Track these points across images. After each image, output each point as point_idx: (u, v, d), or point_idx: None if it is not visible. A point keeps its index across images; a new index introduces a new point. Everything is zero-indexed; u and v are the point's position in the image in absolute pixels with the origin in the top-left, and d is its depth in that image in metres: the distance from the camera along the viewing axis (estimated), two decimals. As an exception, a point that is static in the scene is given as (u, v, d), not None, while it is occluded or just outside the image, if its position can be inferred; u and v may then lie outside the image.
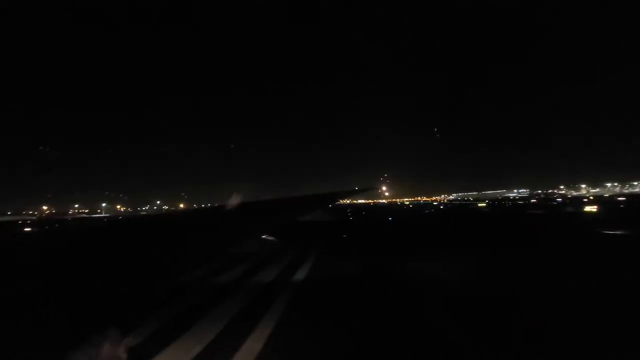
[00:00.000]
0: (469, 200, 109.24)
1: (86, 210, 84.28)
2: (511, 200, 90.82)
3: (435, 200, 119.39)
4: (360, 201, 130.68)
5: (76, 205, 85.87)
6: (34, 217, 68.87)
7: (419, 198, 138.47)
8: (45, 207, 79.56)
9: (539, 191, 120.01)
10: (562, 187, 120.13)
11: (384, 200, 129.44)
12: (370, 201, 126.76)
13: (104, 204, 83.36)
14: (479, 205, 64.20)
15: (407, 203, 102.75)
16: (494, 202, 75.65)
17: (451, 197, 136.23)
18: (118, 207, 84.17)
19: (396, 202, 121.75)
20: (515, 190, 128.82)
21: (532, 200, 77.14)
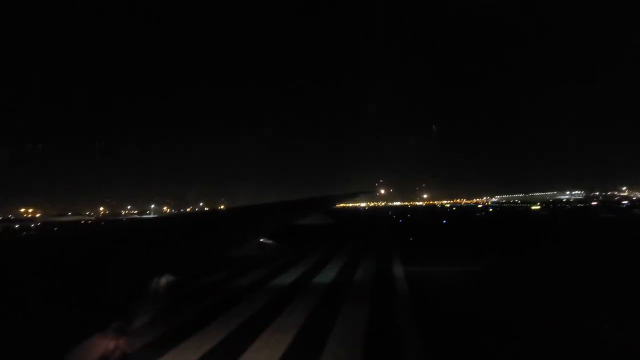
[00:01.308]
0: (516, 202, 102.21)
1: (135, 212, 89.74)
2: (567, 202, 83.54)
3: (479, 203, 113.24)
4: (396, 203, 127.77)
5: (129, 207, 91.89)
6: (93, 217, 74.58)
7: (458, 200, 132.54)
8: (102, 209, 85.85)
9: (596, 192, 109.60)
10: (624, 188, 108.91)
11: (420, 203, 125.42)
12: (407, 203, 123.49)
13: (152, 206, 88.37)
14: (533, 208, 59.70)
15: (448, 205, 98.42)
16: (547, 205, 70.03)
17: (494, 200, 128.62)
18: (165, 208, 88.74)
19: (435, 204, 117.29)
20: (567, 192, 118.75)
21: (593, 203, 70.38)
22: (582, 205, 65.74)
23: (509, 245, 16.29)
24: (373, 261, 12.73)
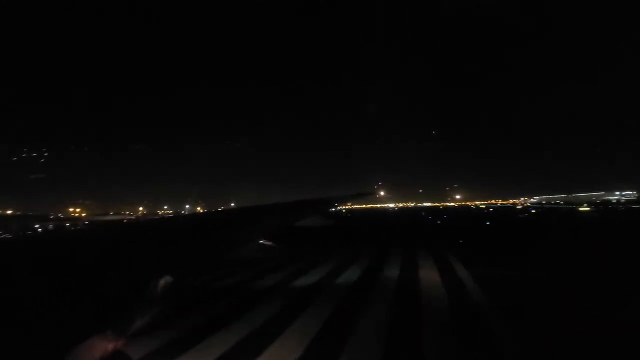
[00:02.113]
0: (558, 203, 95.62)
1: (170, 211, 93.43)
2: (617, 203, 76.86)
3: (516, 204, 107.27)
4: (426, 204, 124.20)
5: (165, 207, 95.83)
6: (133, 217, 78.67)
7: (493, 201, 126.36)
8: (141, 208, 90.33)
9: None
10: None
11: (452, 203, 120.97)
12: (439, 204, 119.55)
13: (187, 206, 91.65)
14: (581, 209, 55.49)
15: (484, 206, 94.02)
16: (597, 206, 64.80)
17: (533, 200, 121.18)
18: (198, 208, 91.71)
19: (468, 205, 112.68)
20: (617, 192, 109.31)
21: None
22: (637, 206, 60.17)
23: (568, 248, 15.01)
24: (431, 263, 12.00)
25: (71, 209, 76.80)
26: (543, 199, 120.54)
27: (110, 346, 1.42)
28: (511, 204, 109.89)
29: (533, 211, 55.86)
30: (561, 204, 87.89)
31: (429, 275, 10.30)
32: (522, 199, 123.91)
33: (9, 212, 63.62)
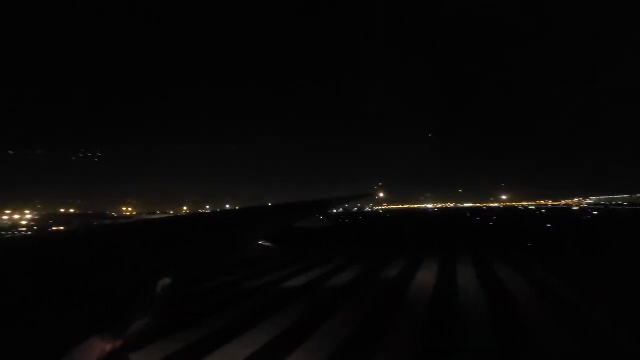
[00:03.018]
0: (620, 204, 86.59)
1: (210, 210, 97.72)
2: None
3: (570, 204, 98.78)
4: (467, 204, 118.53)
5: (207, 206, 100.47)
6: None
7: (542, 202, 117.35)
8: (185, 208, 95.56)
9: None
10: None
11: (496, 204, 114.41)
12: (482, 205, 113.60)
13: (227, 206, 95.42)
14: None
15: (533, 207, 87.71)
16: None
17: (589, 201, 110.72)
18: (237, 207, 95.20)
19: (514, 205, 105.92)
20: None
21: None
22: None
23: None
24: (505, 265, 10.92)
25: (123, 208, 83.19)
26: (601, 200, 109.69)
27: (108, 347, 1.40)
28: (564, 204, 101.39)
29: (595, 212, 50.69)
30: (625, 205, 79.32)
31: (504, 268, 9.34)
32: (576, 199, 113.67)
33: (71, 210, 70.19)
